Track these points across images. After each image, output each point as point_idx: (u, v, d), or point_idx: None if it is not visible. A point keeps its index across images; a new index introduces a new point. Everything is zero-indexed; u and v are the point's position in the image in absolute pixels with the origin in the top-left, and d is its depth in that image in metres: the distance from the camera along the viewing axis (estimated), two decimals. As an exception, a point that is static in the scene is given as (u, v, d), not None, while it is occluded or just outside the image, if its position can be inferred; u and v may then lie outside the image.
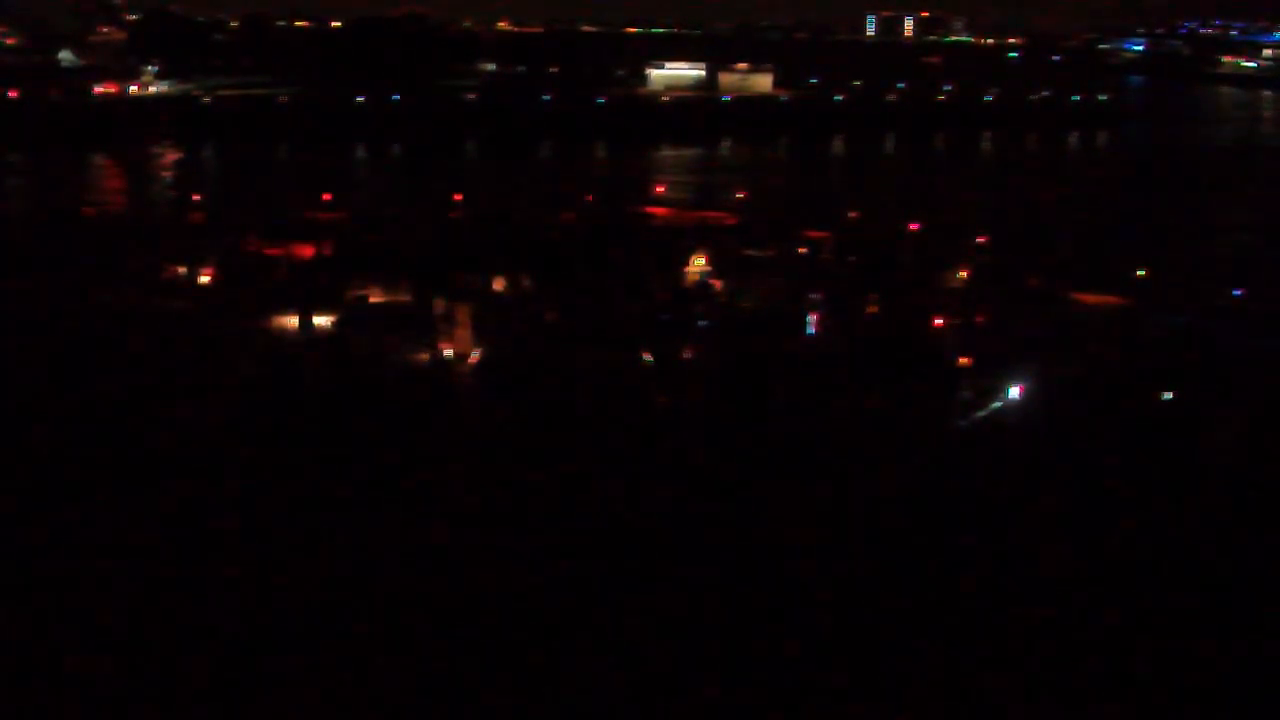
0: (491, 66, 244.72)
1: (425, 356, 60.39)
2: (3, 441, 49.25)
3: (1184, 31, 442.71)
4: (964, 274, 77.94)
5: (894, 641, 36.46)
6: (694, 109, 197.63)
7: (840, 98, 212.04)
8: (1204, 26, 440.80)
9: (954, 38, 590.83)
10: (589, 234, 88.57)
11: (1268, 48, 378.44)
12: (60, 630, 35.81)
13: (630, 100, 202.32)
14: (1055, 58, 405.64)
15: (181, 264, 75.05)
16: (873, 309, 69.09)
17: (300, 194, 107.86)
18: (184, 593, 38.09)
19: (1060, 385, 56.88)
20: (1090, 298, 74.88)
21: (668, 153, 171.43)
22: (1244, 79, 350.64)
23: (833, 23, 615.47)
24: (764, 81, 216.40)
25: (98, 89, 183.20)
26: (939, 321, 66.12)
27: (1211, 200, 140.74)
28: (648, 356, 60.35)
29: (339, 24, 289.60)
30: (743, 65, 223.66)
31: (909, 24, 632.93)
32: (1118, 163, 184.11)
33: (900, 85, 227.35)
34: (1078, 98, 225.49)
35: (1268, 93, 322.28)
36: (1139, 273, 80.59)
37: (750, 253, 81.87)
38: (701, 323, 65.81)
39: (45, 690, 33.12)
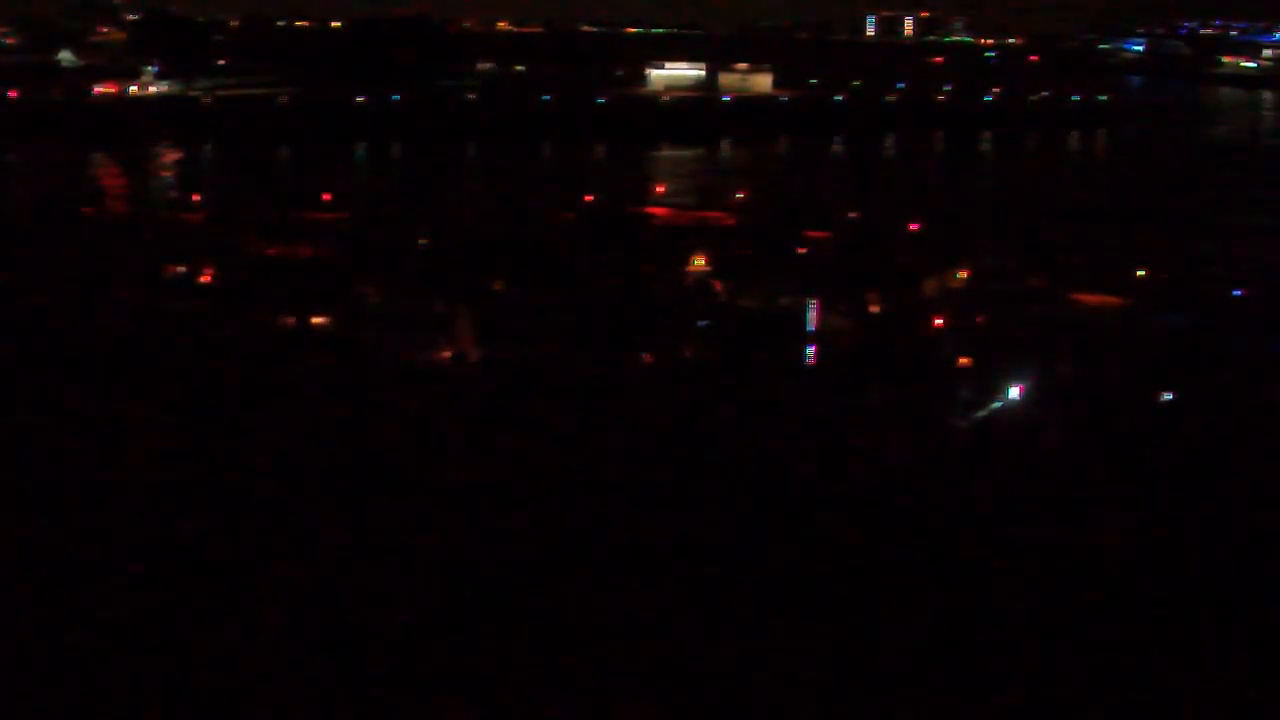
0: (491, 66, 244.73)
1: (426, 357, 60.33)
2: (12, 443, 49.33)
3: (1184, 32, 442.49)
4: (964, 274, 77.86)
5: (892, 641, 36.48)
6: (694, 109, 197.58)
7: (840, 98, 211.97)
8: (1204, 26, 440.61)
9: (954, 38, 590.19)
10: (589, 234, 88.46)
11: (1268, 48, 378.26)
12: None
13: (630, 100, 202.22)
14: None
15: (181, 264, 74.97)
16: (873, 309, 69.02)
17: (300, 194, 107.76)
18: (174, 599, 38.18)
19: (1060, 385, 56.82)
20: (1090, 298, 74.83)
21: (668, 153, 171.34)
22: (1244, 79, 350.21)
23: (833, 22, 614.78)
24: (764, 81, 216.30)
25: (98, 89, 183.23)
26: (939, 321, 66.06)
27: (1211, 200, 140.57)
28: (647, 357, 60.31)
29: (339, 24, 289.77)
30: (743, 65, 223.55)
31: (909, 24, 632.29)
32: (1117, 162, 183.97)
33: (900, 85, 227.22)
34: (1077, 98, 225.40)
35: (1268, 93, 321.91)
36: (1139, 273, 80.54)
37: (749, 253, 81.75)
38: (701, 323, 65.73)
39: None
